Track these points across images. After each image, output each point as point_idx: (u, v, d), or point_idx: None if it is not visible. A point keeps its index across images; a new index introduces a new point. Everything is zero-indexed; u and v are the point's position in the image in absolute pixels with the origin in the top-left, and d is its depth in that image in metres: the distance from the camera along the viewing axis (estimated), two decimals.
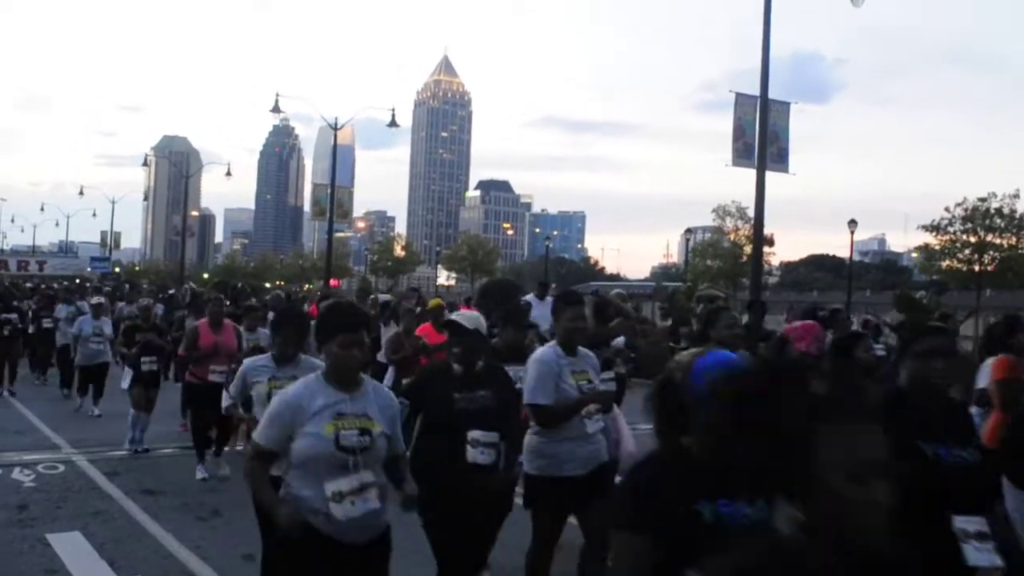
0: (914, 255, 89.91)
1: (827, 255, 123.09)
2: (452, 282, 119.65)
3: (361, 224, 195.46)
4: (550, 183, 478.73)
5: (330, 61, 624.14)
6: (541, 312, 10.84)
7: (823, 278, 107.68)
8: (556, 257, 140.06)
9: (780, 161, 23.99)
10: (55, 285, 33.97)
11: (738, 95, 23.61)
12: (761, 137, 22.38)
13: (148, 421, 12.35)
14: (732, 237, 67.45)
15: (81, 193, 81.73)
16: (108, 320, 16.52)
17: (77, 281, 47.66)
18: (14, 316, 17.58)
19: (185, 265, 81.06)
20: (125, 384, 12.45)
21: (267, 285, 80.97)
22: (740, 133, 23.32)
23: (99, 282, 49.55)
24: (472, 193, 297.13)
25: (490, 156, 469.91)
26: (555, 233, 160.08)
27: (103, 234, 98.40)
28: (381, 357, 12.16)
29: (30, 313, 19.46)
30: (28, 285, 36.80)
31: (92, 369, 15.37)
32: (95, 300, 17.13)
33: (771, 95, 22.67)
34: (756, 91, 22.69)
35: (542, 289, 15.92)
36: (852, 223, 52.66)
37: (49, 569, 7.09)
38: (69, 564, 7.21)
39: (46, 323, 18.87)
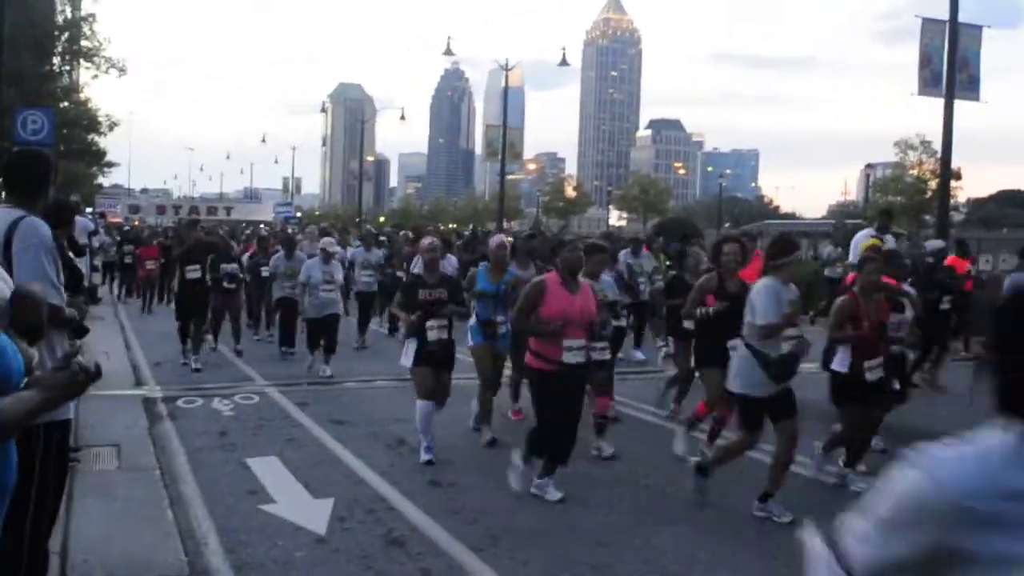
0: None
1: (1019, 190, 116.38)
2: (623, 222, 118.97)
3: (532, 166, 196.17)
4: (722, 121, 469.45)
5: (499, 2, 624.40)
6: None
7: (1014, 214, 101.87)
8: (729, 196, 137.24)
9: (971, 89, 22.77)
10: (264, 229, 33.54)
11: (924, 20, 22.50)
12: (950, 62, 21.31)
13: (433, 413, 8.73)
14: (915, 172, 64.68)
15: (263, 141, 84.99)
16: (339, 265, 14.63)
17: (262, 226, 49.48)
18: (234, 266, 15.03)
19: (362, 209, 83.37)
20: (408, 361, 8.66)
21: (441, 227, 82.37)
22: (927, 61, 22.22)
23: (282, 226, 51.38)
24: (643, 133, 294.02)
25: (660, 95, 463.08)
26: (728, 172, 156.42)
27: (285, 180, 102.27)
28: None
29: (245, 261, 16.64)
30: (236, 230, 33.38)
31: (322, 321, 13.70)
32: (325, 241, 14.89)
33: (960, 19, 21.54)
34: (943, 16, 21.63)
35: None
36: None
37: (251, 490, 7.51)
38: (268, 485, 7.61)
39: (264, 271, 16.27)
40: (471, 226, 40.25)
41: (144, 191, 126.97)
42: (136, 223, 49.07)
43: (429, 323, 8.47)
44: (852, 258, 11.55)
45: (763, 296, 6.91)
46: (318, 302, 13.71)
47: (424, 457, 8.42)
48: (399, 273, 17.88)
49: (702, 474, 7.28)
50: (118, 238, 27.56)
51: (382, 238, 22.62)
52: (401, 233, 24.84)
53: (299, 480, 7.78)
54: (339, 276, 14.23)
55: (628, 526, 6.82)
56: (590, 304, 7.38)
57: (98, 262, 24.46)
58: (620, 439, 9.22)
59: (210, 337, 15.01)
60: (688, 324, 9.38)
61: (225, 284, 14.61)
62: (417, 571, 5.85)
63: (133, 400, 11.04)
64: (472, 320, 9.68)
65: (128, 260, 24.88)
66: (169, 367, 13.55)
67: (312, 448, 9.06)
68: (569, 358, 7.14)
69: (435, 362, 8.55)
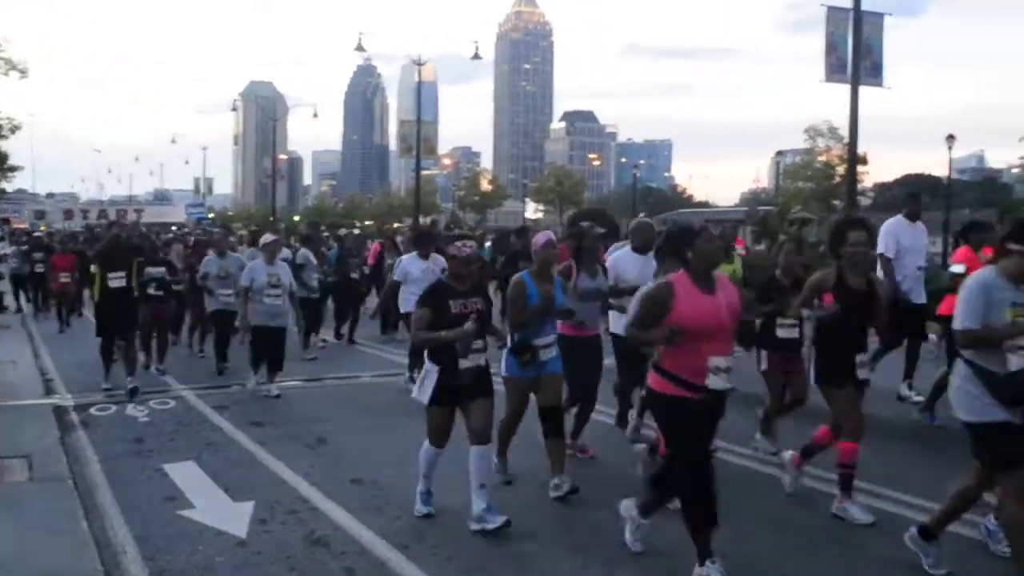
0: (1015, 170, 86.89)
1: (923, 174, 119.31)
2: (540, 215, 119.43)
3: (447, 161, 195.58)
4: (635, 112, 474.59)
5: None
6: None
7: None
8: (643, 186, 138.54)
9: (874, 75, 23.39)
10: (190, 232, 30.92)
11: (829, 9, 23.07)
12: (855, 50, 21.88)
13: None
14: (824, 158, 66.12)
15: (173, 141, 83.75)
16: (286, 267, 12.61)
17: (173, 228, 48.57)
18: (161, 270, 13.46)
19: (276, 208, 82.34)
20: (424, 397, 6.70)
21: (357, 224, 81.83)
22: (832, 48, 22.80)
23: (195, 228, 50.48)
24: (557, 125, 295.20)
25: (573, 87, 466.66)
26: (642, 162, 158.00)
27: (196, 180, 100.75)
28: None
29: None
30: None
31: (268, 334, 11.92)
32: (268, 238, 12.89)
33: (863, 7, 22.15)
34: (847, 4, 22.20)
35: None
36: (950, 138, 51.12)
37: (169, 496, 7.37)
38: (186, 491, 7.48)
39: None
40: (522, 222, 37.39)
41: (50, 195, 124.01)
42: (44, 228, 47.79)
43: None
44: (882, 247, 10.28)
45: (966, 293, 5.33)
46: (263, 308, 11.92)
47: (421, 510, 6.87)
48: (353, 275, 17.81)
49: (928, 540, 5.73)
50: (24, 246, 24.79)
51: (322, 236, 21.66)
52: (353, 231, 23.56)
53: (218, 484, 7.66)
54: (286, 280, 12.17)
55: (554, 516, 6.85)
56: (735, 300, 5.64)
57: (3, 270, 23.46)
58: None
59: (143, 355, 13.30)
60: (785, 333, 8.47)
61: (151, 291, 13.13)
62: (341, 570, 5.80)
63: (43, 409, 10.77)
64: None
65: (39, 269, 22.26)
66: (79, 374, 13.19)
67: (231, 451, 8.93)
68: (715, 382, 5.43)
69: (463, 396, 6.66)
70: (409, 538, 6.35)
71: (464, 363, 6.51)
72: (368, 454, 8.68)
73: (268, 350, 11.94)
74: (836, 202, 60.95)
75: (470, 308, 6.59)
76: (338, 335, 17.27)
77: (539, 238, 7.74)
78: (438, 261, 11.22)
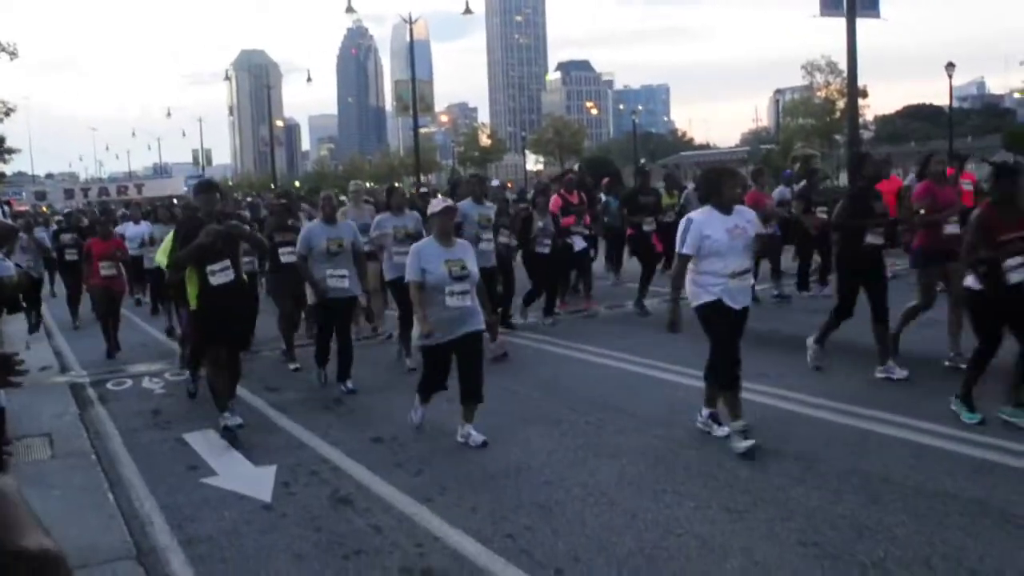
0: (1017, 95, 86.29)
1: (924, 104, 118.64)
2: (540, 166, 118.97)
3: (444, 118, 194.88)
4: (630, 58, 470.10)
5: None
6: None
7: (921, 128, 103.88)
8: (643, 132, 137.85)
9: (870, 7, 23.18)
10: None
11: None
12: None
13: None
14: (823, 93, 65.70)
15: (169, 115, 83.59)
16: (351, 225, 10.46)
17: (175, 200, 48.44)
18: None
19: (276, 175, 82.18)
20: None
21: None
22: None
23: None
24: (552, 76, 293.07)
25: (566, 37, 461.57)
26: (640, 108, 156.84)
27: (194, 152, 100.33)
28: None
29: None
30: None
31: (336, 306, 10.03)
32: (323, 194, 11.30)
33: None
34: None
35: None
36: (950, 66, 50.67)
37: (191, 465, 7.42)
38: (208, 459, 7.53)
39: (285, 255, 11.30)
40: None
41: (49, 176, 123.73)
42: (45, 208, 47.62)
43: None
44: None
45: None
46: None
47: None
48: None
49: None
50: (53, 227, 20.88)
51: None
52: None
53: (239, 450, 7.71)
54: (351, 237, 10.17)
55: (573, 463, 6.89)
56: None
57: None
58: (558, 375, 9.28)
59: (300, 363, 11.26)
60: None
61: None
62: (367, 527, 5.84)
63: (60, 387, 10.82)
64: None
65: (71, 257, 17.18)
66: (92, 354, 13.22)
67: (250, 417, 8.92)
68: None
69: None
70: (432, 491, 6.39)
71: None
72: (386, 413, 8.70)
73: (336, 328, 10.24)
74: (838, 137, 60.63)
75: None
76: None
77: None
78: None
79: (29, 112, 62.80)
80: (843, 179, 30.10)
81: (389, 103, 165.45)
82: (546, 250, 13.08)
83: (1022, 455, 6.37)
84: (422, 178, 52.94)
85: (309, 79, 67.87)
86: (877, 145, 71.14)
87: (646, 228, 14.53)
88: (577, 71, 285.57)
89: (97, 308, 13.71)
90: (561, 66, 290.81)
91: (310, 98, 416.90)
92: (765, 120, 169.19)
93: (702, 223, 6.90)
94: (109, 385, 10.87)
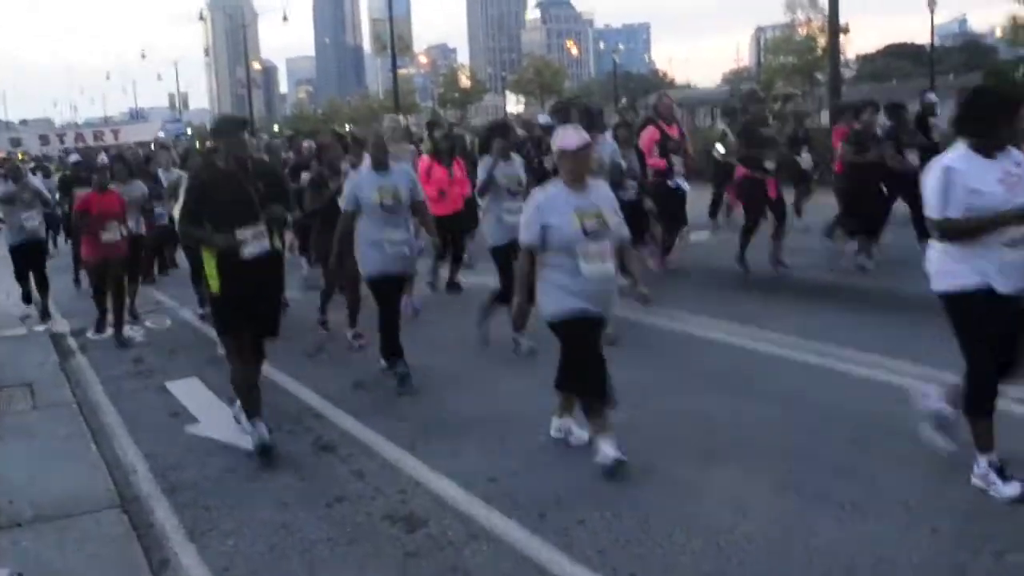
0: (998, 32, 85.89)
1: (906, 43, 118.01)
2: (521, 107, 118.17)
3: (424, 60, 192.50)
4: None
5: None
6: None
7: (903, 67, 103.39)
8: (623, 72, 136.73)
9: None
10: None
11: None
12: None
13: None
14: (804, 31, 65.39)
15: (144, 57, 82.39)
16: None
17: (153, 147, 47.85)
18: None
19: (254, 118, 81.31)
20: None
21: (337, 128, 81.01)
22: None
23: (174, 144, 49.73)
24: (532, 15, 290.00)
25: None
26: (620, 48, 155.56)
27: (171, 96, 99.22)
28: None
29: None
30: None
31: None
32: (373, 133, 9.89)
33: None
34: None
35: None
36: (931, 2, 50.38)
37: (173, 412, 7.45)
38: (191, 407, 7.55)
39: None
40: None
41: (24, 122, 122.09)
42: (22, 155, 47.01)
43: None
44: None
45: None
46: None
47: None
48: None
49: None
50: (56, 177, 18.22)
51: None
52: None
53: (222, 399, 7.70)
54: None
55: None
56: None
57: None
58: None
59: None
60: None
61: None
62: (350, 473, 5.88)
63: (40, 337, 10.79)
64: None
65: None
66: (73, 301, 13.15)
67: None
68: None
69: None
70: (416, 437, 6.42)
71: None
72: (368, 359, 8.69)
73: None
74: (819, 75, 60.43)
75: None
76: None
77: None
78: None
79: (1, 57, 61.82)
80: (824, 118, 29.94)
81: (367, 43, 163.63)
82: (632, 195, 10.08)
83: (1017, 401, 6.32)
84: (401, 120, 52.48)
85: (285, 18, 67.28)
86: (858, 83, 70.95)
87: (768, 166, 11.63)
88: (556, 9, 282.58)
89: (98, 288, 10.73)
90: (540, 5, 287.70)
91: (287, 40, 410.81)
92: (747, 59, 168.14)
93: (965, 173, 4.82)
94: (89, 334, 10.82)
